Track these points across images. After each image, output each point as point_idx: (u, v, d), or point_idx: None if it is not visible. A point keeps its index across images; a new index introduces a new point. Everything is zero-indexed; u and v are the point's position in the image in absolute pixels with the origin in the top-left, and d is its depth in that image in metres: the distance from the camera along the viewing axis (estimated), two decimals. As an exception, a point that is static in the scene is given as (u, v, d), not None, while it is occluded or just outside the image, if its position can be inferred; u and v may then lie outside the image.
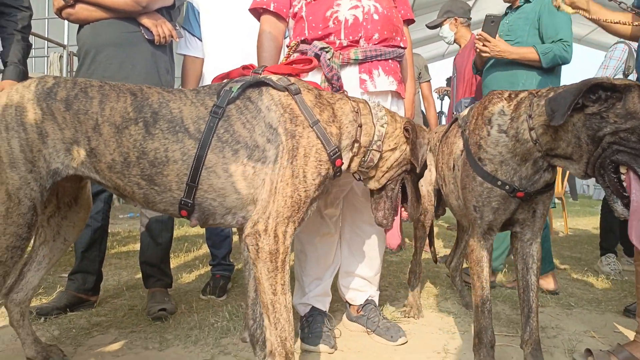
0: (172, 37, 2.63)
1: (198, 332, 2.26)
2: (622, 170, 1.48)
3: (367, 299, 2.38)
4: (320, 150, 1.66)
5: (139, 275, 2.91)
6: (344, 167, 1.77)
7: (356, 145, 1.78)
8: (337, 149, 1.69)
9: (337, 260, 2.36)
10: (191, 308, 2.65)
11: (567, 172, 6.04)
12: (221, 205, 1.65)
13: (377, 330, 2.24)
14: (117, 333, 2.25)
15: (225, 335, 2.23)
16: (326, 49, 2.06)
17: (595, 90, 1.48)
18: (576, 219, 8.13)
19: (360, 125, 1.78)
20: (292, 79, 1.76)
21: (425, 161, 1.86)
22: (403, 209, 2.03)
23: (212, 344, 2.12)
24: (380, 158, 1.84)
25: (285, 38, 2.99)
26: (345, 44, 2.10)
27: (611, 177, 1.50)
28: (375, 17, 2.11)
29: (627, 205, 1.48)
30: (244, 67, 1.86)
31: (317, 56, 2.04)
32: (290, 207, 1.61)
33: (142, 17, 2.54)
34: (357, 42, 2.11)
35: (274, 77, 1.73)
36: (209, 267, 3.20)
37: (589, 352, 1.99)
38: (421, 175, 1.92)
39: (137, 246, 3.41)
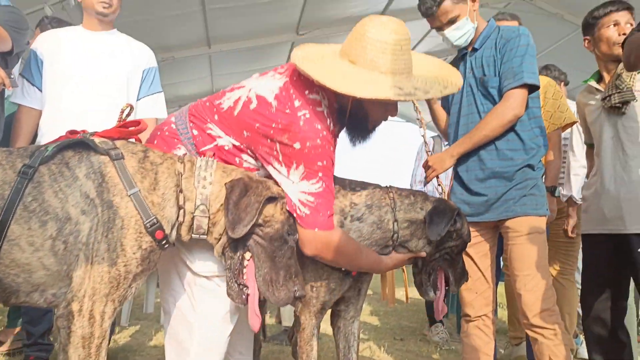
0: (4, 85, 2.39)
1: None
2: None
3: None
4: (139, 221, 1.54)
5: None
6: (171, 238, 1.63)
7: (181, 212, 1.63)
8: (155, 220, 1.55)
9: None
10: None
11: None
12: (26, 281, 1.47)
13: None
14: None
15: None
16: None
17: None
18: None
19: (181, 190, 1.62)
20: (119, 143, 1.63)
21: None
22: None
23: None
24: (211, 223, 1.64)
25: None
26: None
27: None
28: None
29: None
30: (72, 132, 1.68)
31: None
32: (108, 283, 1.48)
33: (-29, 60, 2.29)
34: None
35: (97, 140, 1.60)
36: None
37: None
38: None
39: None
